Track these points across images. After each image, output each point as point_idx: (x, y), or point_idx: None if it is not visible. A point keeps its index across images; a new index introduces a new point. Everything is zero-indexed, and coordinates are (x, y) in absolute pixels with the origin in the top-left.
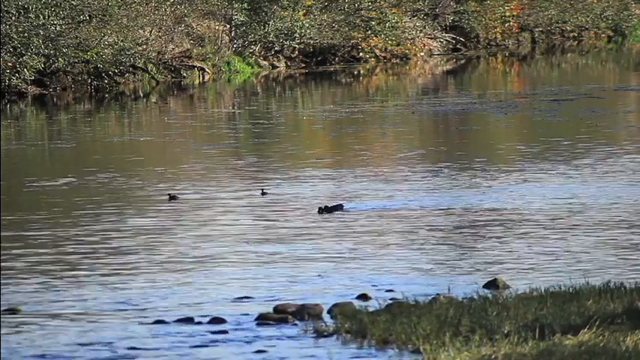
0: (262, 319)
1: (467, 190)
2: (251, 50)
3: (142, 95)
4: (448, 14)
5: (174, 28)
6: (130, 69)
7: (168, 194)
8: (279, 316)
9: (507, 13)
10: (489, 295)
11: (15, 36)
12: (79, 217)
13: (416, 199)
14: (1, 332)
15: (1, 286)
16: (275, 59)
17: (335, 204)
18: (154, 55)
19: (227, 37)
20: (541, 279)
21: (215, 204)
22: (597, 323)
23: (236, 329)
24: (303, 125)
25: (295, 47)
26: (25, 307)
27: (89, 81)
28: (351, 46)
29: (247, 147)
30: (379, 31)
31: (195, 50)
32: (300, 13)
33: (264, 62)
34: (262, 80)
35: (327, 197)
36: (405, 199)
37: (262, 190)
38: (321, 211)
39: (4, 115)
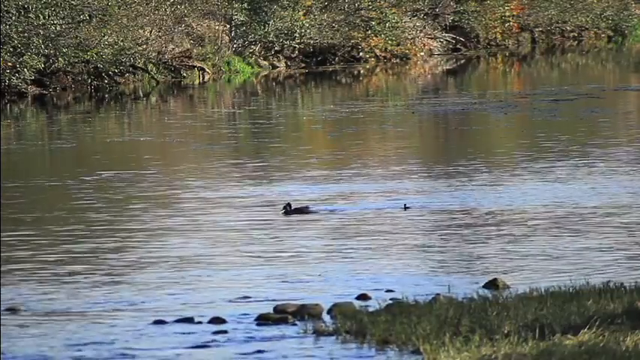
0: (262, 319)
1: (467, 190)
2: (251, 50)
3: (142, 95)
4: (448, 14)
5: (174, 28)
6: (130, 69)
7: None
8: (279, 316)
9: (507, 13)
10: (489, 295)
11: (15, 36)
12: (79, 217)
13: (416, 199)
14: (1, 332)
15: (1, 286)
16: (275, 59)
17: (301, 206)
18: (154, 55)
19: (227, 37)
20: (541, 279)
21: (215, 204)
22: (597, 323)
23: (236, 329)
24: (302, 125)
25: (295, 47)
26: (25, 307)
27: (89, 81)
28: (351, 46)
29: (247, 147)
30: (379, 31)
31: (195, 50)
32: (300, 13)
33: (264, 62)
34: (262, 80)
35: (326, 197)
36: (405, 199)
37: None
38: (287, 211)
39: (4, 115)
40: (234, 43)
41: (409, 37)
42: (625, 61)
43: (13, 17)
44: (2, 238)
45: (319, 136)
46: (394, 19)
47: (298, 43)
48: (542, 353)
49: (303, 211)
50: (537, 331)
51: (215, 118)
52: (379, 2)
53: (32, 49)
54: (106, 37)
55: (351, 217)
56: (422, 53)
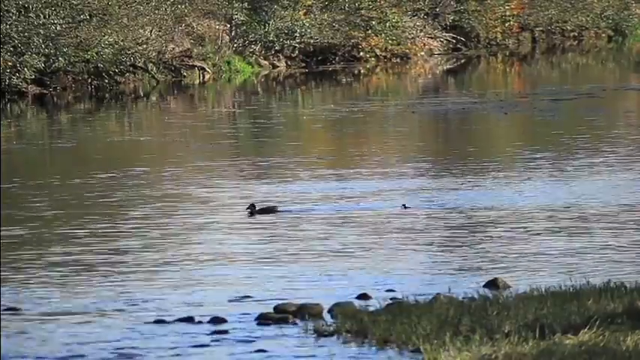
0: (262, 319)
1: (467, 190)
2: (251, 50)
3: (142, 95)
4: (448, 14)
5: (175, 28)
6: (131, 68)
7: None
8: (279, 315)
9: (508, 13)
10: (489, 295)
11: (15, 35)
12: (79, 217)
13: (416, 199)
14: (1, 332)
15: (2, 286)
16: (275, 59)
17: (267, 206)
18: (154, 54)
19: (227, 37)
20: (541, 279)
21: (215, 204)
22: (597, 323)
23: (236, 329)
24: (303, 125)
25: (295, 47)
26: (25, 307)
27: (89, 80)
28: (351, 45)
29: (247, 147)
30: (379, 31)
31: (195, 50)
32: (301, 12)
33: (265, 62)
34: (262, 80)
35: (326, 196)
36: (404, 199)
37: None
38: (252, 212)
39: (5, 114)
40: (235, 43)
41: (409, 36)
42: (625, 61)
43: (14, 17)
44: (4, 238)
45: (319, 136)
46: (394, 18)
47: (298, 43)
48: (543, 353)
49: (269, 211)
50: (537, 330)
51: (215, 117)
52: (379, 2)
53: (32, 49)
54: (106, 37)
55: (349, 216)
56: (422, 53)
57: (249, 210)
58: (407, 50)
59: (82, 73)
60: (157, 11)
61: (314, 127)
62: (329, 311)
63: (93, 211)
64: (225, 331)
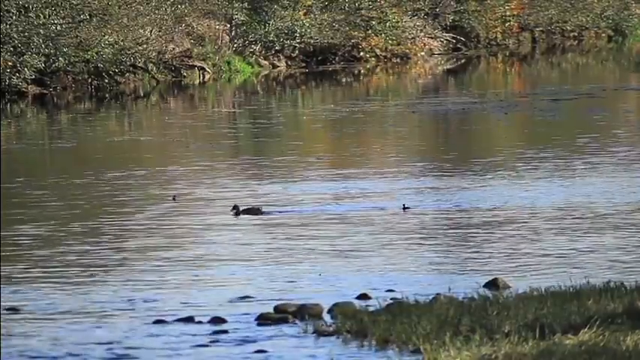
0: (262, 319)
1: (467, 190)
2: (251, 50)
3: (142, 95)
4: (448, 14)
5: (175, 28)
6: (131, 68)
7: (174, 196)
8: (279, 316)
9: (508, 13)
10: (490, 295)
11: (15, 35)
12: (79, 217)
13: (416, 199)
14: (2, 332)
15: (2, 286)
16: (275, 59)
17: (252, 207)
18: (154, 54)
19: (227, 37)
20: (541, 279)
21: (214, 204)
22: (597, 323)
23: (236, 329)
24: (303, 125)
25: (296, 47)
26: (25, 307)
27: (89, 80)
28: (351, 45)
29: (247, 147)
30: (379, 31)
31: (195, 50)
32: (301, 12)
33: (265, 62)
34: (262, 80)
35: (330, 197)
36: (404, 199)
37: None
38: (237, 212)
39: (4, 114)
40: (235, 43)
41: (409, 36)
42: (625, 61)
43: (14, 17)
44: (5, 238)
45: (319, 136)
46: (394, 18)
47: (299, 43)
48: (543, 353)
49: (254, 212)
50: (537, 330)
51: (215, 117)
52: (379, 2)
53: (32, 49)
54: (106, 37)
55: (350, 217)
56: (422, 53)
57: (234, 211)
58: (407, 50)
59: (82, 73)
60: (157, 11)
61: (314, 127)
62: (329, 311)
63: (92, 211)
64: (225, 331)
